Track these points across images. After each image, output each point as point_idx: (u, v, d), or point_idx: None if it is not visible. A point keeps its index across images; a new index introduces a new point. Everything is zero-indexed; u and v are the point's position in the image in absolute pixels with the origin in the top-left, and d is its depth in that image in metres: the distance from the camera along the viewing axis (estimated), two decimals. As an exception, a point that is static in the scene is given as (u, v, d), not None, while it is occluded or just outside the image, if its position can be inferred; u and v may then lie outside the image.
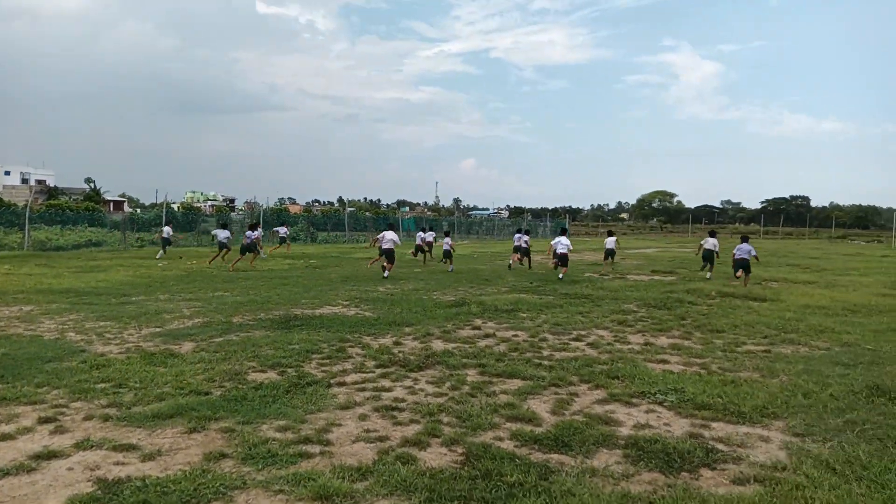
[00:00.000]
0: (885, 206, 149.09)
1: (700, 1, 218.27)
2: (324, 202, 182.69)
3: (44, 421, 5.55)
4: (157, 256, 26.63)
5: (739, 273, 18.02)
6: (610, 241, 23.20)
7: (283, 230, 31.11)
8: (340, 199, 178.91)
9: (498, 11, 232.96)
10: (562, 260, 19.71)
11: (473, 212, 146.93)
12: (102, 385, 6.69)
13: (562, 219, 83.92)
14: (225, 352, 8.40)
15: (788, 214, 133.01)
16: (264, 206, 50.03)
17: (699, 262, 21.78)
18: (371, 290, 15.91)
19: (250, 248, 22.69)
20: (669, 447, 4.84)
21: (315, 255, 30.01)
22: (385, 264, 19.55)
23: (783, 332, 10.07)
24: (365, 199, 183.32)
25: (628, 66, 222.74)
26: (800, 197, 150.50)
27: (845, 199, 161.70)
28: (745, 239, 18.63)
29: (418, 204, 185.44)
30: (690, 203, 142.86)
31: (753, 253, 18.10)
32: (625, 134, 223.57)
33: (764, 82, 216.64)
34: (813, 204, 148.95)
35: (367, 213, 67.50)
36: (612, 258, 23.07)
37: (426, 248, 26.02)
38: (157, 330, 10.04)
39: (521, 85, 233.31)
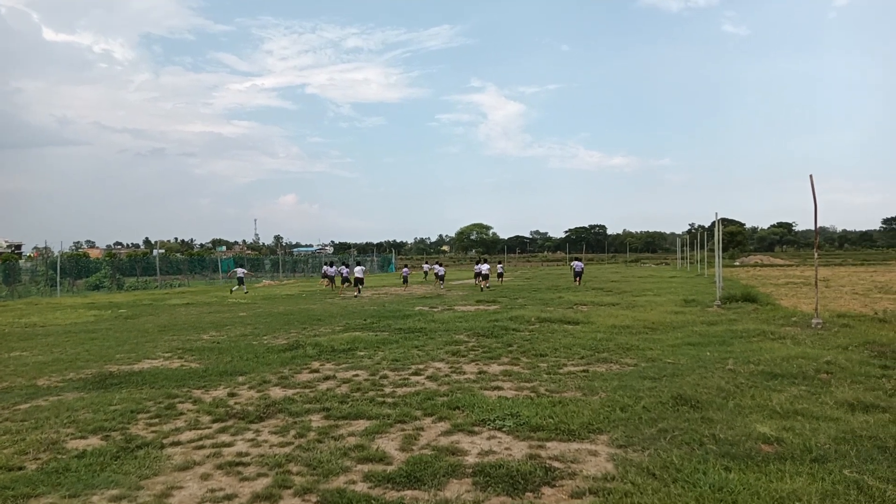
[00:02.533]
0: (668, 232, 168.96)
1: (502, 45, 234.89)
2: (128, 244, 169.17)
3: None
4: None
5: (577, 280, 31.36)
6: (577, 265, 34.87)
7: (240, 271, 34.90)
8: (147, 241, 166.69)
9: (311, 48, 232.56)
10: (485, 278, 32.46)
11: (296, 248, 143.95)
12: None
13: (388, 253, 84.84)
14: (35, 419, 7.58)
15: (588, 241, 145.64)
16: (58, 252, 45.13)
17: (519, 290, 23.46)
18: (194, 338, 15.09)
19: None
20: (513, 470, 5.17)
21: (124, 303, 27.72)
22: (358, 287, 29.96)
23: (596, 352, 11.08)
24: (176, 238, 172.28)
25: (441, 105, 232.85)
26: (597, 226, 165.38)
27: (635, 227, 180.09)
28: (577, 259, 24.24)
29: (236, 242, 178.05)
30: (504, 234, 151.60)
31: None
32: (441, 169, 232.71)
33: (560, 121, 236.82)
34: (609, 232, 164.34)
35: (179, 255, 63.59)
36: (580, 279, 34.02)
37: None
38: (-56, 402, 8.78)
39: (338, 121, 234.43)
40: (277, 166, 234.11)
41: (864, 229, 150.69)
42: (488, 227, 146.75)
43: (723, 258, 49.75)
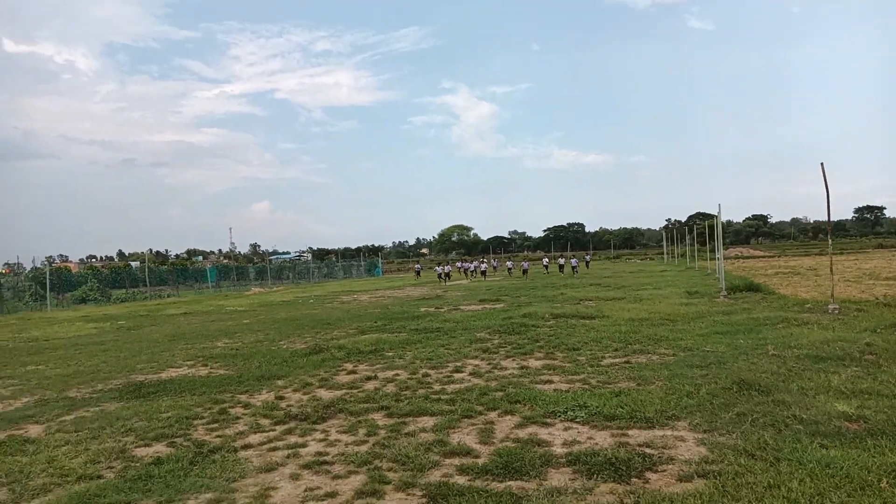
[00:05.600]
0: (644, 227, 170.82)
1: (472, 45, 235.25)
2: (102, 257, 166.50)
3: None
4: None
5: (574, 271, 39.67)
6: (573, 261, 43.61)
7: None
8: (121, 253, 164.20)
9: (279, 52, 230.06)
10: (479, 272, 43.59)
11: (273, 256, 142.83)
12: (-44, 487, 5.62)
13: (372, 258, 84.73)
14: (88, 429, 7.46)
15: (568, 239, 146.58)
16: (45, 266, 44.30)
17: (516, 289, 23.72)
18: (209, 346, 14.93)
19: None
20: (610, 458, 5.21)
21: (119, 315, 27.30)
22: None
23: (628, 344, 11.17)
24: (150, 250, 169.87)
25: (413, 107, 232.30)
26: (576, 223, 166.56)
27: (612, 223, 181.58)
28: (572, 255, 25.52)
29: (212, 252, 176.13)
30: (483, 235, 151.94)
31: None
32: (417, 172, 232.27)
33: (533, 120, 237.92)
34: (587, 229, 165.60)
35: (163, 266, 62.73)
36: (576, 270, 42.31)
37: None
38: (-19, 417, 8.58)
39: (310, 125, 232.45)
40: (250, 174, 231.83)
41: (836, 219, 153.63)
42: (469, 228, 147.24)
43: (703, 251, 50.41)
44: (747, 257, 71.81)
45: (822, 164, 13.91)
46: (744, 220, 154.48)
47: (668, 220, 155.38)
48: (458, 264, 57.65)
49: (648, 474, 4.93)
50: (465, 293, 29.51)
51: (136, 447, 6.65)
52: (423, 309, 21.69)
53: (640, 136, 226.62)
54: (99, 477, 5.73)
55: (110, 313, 28.68)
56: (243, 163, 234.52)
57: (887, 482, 4.23)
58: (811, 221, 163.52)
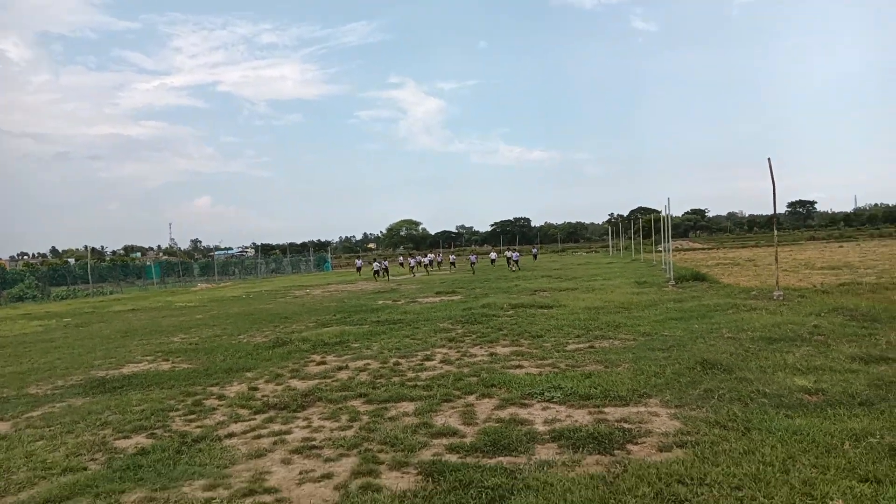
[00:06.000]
0: (588, 222, 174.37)
1: (419, 41, 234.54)
2: (34, 254, 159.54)
3: None
4: None
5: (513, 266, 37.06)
6: (515, 254, 42.13)
7: None
8: (54, 250, 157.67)
9: (223, 45, 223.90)
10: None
11: (216, 252, 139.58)
12: (-68, 484, 5.49)
13: (321, 252, 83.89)
14: (60, 424, 7.34)
15: (513, 233, 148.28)
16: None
17: (469, 282, 24.46)
18: (165, 341, 14.67)
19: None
20: (592, 433, 5.49)
21: (63, 312, 26.39)
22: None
23: (589, 331, 11.56)
24: (85, 247, 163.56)
25: (359, 102, 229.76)
26: (522, 218, 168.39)
27: (557, 218, 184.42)
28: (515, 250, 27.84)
29: (151, 248, 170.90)
30: (433, 229, 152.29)
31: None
32: (363, 166, 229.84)
33: (480, 116, 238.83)
34: (533, 224, 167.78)
35: (103, 263, 60.66)
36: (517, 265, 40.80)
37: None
38: (-62, 415, 8.31)
39: (254, 119, 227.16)
40: (190, 167, 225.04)
41: (769, 213, 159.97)
42: (418, 223, 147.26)
43: (646, 244, 51.97)
44: (687, 250, 74.18)
45: (769, 159, 14.65)
46: (682, 215, 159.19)
47: (611, 214, 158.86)
48: (401, 259, 55.87)
49: (630, 446, 5.22)
50: (419, 286, 29.66)
51: (115, 439, 6.60)
52: (380, 302, 21.75)
53: (584, 133, 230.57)
54: (84, 469, 5.69)
55: (53, 311, 27.68)
56: (184, 156, 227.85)
57: (849, 444, 4.62)
58: (746, 215, 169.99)
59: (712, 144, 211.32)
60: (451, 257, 53.05)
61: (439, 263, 53.73)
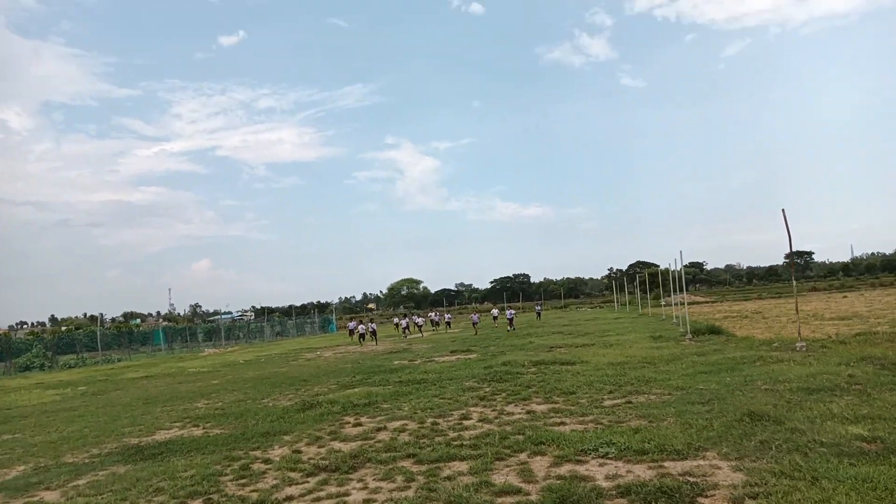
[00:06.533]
0: (587, 277, 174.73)
1: (413, 102, 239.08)
2: (33, 323, 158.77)
3: None
4: None
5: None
6: (510, 312, 41.36)
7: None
8: (53, 318, 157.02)
9: (221, 110, 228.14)
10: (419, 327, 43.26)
11: (215, 317, 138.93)
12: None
13: (326, 314, 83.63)
14: (111, 492, 7.34)
15: (513, 290, 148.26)
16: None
17: (479, 340, 26.32)
18: (189, 407, 14.63)
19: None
20: (658, 487, 5.53)
21: (76, 381, 26.22)
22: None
23: (620, 386, 11.59)
24: (84, 314, 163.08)
25: (357, 163, 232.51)
26: (521, 274, 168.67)
27: (555, 273, 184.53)
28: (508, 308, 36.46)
29: (150, 314, 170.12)
30: (433, 287, 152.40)
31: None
32: (362, 226, 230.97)
33: (475, 175, 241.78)
34: (532, 280, 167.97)
35: (110, 331, 60.45)
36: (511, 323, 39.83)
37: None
38: (-21, 485, 8.28)
39: (253, 182, 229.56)
40: (190, 232, 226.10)
41: (768, 264, 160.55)
42: (418, 282, 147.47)
43: (648, 298, 52.04)
44: (691, 303, 74.16)
45: (783, 210, 14.95)
46: (681, 268, 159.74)
47: (611, 269, 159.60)
48: (396, 320, 51.13)
49: (700, 499, 5.27)
50: (431, 345, 29.61)
51: (174, 505, 6.59)
52: (396, 362, 21.71)
53: (578, 188, 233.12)
54: (151, 535, 5.69)
55: (65, 379, 27.49)
56: (183, 221, 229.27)
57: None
58: (745, 267, 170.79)
59: (706, 197, 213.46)
60: (447, 316, 50.93)
61: (436, 323, 51.23)
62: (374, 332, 36.53)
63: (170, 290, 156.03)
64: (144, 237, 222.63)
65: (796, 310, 16.18)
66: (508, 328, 38.47)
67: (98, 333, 45.88)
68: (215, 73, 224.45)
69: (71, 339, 48.87)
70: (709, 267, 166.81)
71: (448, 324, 48.56)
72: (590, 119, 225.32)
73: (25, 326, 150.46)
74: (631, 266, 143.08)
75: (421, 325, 44.72)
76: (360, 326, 37.60)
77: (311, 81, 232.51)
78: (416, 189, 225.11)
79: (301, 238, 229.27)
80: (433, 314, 50.91)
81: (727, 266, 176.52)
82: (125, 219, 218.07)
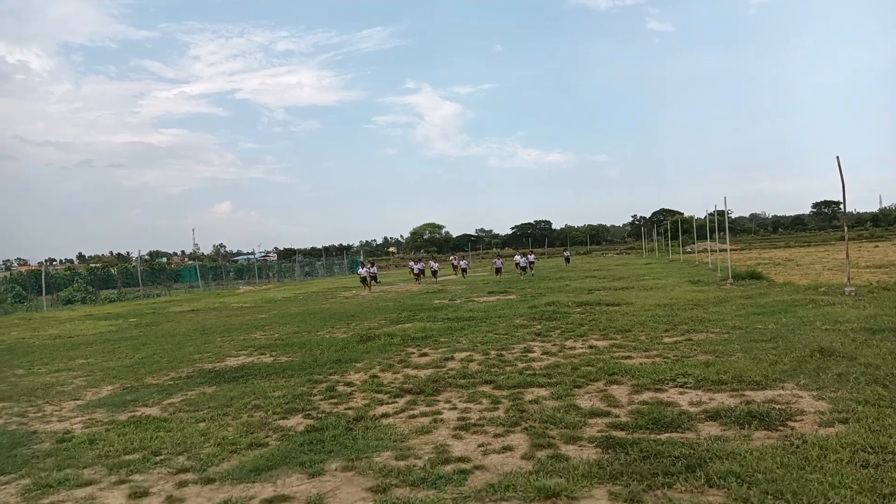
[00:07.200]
0: (609, 224, 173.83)
1: (435, 46, 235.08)
2: (62, 260, 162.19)
3: (138, 495, 4.95)
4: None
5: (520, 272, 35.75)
6: (522, 260, 37.72)
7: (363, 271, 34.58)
8: (81, 256, 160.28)
9: (240, 52, 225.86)
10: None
11: (238, 257, 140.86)
12: (132, 456, 5.98)
13: (355, 255, 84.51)
14: (209, 408, 7.82)
15: (535, 237, 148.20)
16: (40, 266, 43.51)
17: (514, 283, 27.35)
18: (248, 338, 15.22)
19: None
20: (747, 412, 5.83)
21: (125, 314, 27.12)
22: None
23: (675, 325, 11.87)
24: (111, 252, 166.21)
25: (377, 107, 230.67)
26: (543, 221, 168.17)
27: (577, 221, 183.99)
28: (521, 254, 34.95)
29: (175, 253, 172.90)
30: (456, 232, 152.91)
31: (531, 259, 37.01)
32: (382, 171, 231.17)
33: (497, 120, 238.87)
34: (554, 227, 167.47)
35: (141, 267, 61.83)
36: (525, 271, 37.12)
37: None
38: (80, 403, 8.84)
39: (273, 126, 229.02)
40: (211, 174, 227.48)
41: (793, 214, 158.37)
42: (441, 227, 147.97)
43: (680, 245, 52.04)
44: (715, 251, 73.79)
45: (837, 157, 14.84)
46: (706, 216, 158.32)
47: (634, 216, 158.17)
48: (411, 264, 45.19)
49: (791, 423, 5.56)
50: (465, 287, 30.05)
51: (276, 420, 7.04)
52: (436, 301, 22.17)
53: (602, 135, 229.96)
54: (266, 445, 6.13)
55: (113, 312, 28.45)
56: (204, 163, 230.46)
57: None
58: (769, 216, 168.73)
59: (731, 145, 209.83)
60: (463, 262, 45.41)
61: (456, 268, 45.04)
62: (374, 276, 35.38)
63: (193, 230, 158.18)
64: (166, 178, 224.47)
65: (847, 255, 16.24)
66: (530, 272, 37.61)
67: (138, 269, 47.02)
68: (233, 14, 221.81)
69: (107, 275, 50.17)
70: (733, 215, 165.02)
71: (464, 270, 43.50)
72: (615, 64, 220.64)
73: (55, 263, 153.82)
74: (655, 213, 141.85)
75: (436, 271, 42.45)
76: (361, 269, 35.50)
77: (330, 23, 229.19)
78: (437, 134, 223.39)
79: (321, 181, 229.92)
80: (454, 259, 48.30)
81: (752, 215, 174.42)
82: (147, 160, 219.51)
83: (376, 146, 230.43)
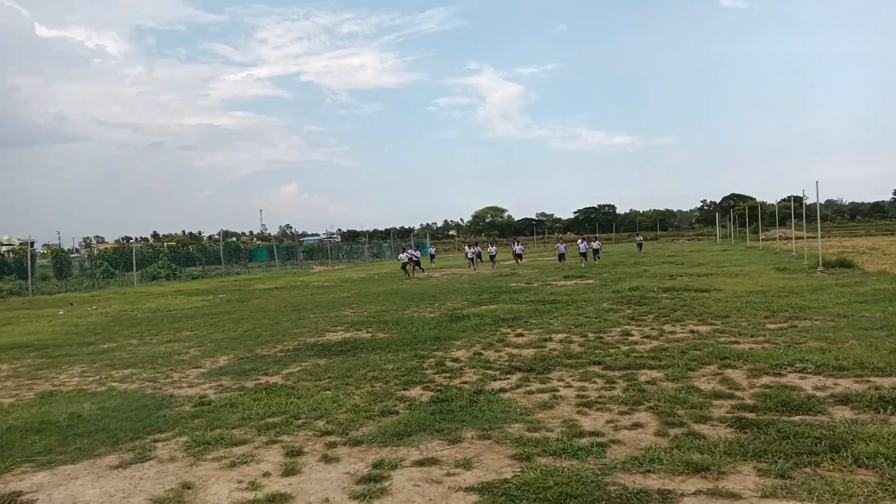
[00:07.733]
0: (676, 209, 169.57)
1: (497, 26, 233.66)
2: (137, 238, 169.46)
3: (294, 453, 5.34)
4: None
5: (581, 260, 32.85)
6: (583, 245, 33.77)
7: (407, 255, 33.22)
8: (155, 234, 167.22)
9: (305, 35, 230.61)
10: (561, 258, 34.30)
11: (304, 238, 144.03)
12: (274, 419, 6.40)
13: (420, 237, 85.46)
14: (330, 378, 8.24)
15: (598, 221, 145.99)
16: (79, 246, 45.86)
17: (588, 268, 28.93)
18: (340, 315, 15.76)
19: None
20: (879, 396, 5.80)
21: (213, 290, 28.36)
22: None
23: (775, 312, 11.67)
24: (184, 231, 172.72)
25: (437, 89, 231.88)
26: (607, 205, 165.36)
27: (643, 205, 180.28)
28: (584, 239, 33.69)
29: (243, 233, 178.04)
30: (518, 216, 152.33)
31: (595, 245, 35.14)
32: (442, 154, 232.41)
33: (560, 102, 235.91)
34: (618, 211, 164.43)
35: (217, 246, 64.25)
36: (594, 255, 35.41)
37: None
38: (203, 371, 9.44)
39: (336, 108, 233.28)
40: (276, 156, 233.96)
41: (872, 200, 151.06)
42: (503, 210, 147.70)
43: (759, 230, 50.39)
44: (790, 238, 71.22)
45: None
46: (779, 202, 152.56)
47: (703, 201, 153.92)
48: (466, 248, 41.04)
49: (929, 409, 5.51)
50: (536, 271, 30.06)
51: (399, 390, 7.37)
52: (513, 284, 22.29)
53: (669, 117, 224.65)
54: (396, 412, 6.45)
55: (200, 288, 29.80)
56: (269, 145, 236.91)
57: None
58: (846, 203, 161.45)
59: (805, 128, 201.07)
60: (491, 249, 41.63)
61: (517, 255, 36.92)
62: (417, 261, 33.31)
63: (261, 211, 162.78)
64: (234, 160, 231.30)
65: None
66: (596, 259, 34.96)
67: (221, 248, 48.88)
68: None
69: (187, 253, 52.34)
70: (808, 202, 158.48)
71: (518, 256, 36.52)
72: (684, 44, 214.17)
73: (131, 241, 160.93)
74: (725, 198, 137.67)
75: (493, 255, 39.98)
76: (402, 255, 33.79)
77: (391, 5, 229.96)
78: (498, 116, 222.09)
79: (382, 164, 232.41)
80: (516, 245, 42.77)
81: (827, 201, 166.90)
82: (216, 142, 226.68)
83: (437, 129, 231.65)
